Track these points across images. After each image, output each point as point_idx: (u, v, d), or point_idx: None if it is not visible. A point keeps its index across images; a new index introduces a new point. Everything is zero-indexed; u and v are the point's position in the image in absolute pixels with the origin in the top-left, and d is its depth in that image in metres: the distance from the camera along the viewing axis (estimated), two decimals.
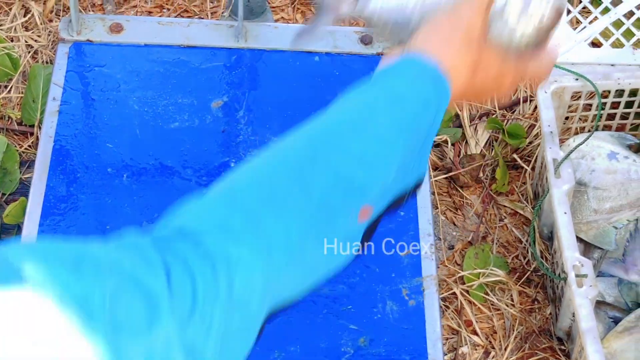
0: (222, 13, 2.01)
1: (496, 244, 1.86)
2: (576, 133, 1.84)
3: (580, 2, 1.81)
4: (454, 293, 1.76)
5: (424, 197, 1.67)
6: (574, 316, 1.61)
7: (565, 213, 1.59)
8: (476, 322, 1.74)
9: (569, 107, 1.79)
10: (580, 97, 1.78)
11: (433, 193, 1.76)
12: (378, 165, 0.77)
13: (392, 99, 0.79)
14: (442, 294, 1.77)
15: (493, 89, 0.86)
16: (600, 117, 1.76)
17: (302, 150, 0.76)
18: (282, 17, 2.17)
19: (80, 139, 1.69)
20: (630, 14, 1.79)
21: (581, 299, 1.50)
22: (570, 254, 1.55)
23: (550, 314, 1.76)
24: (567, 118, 1.83)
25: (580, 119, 1.82)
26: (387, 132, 0.77)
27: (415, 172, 0.81)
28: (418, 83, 0.80)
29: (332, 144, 0.76)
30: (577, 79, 1.74)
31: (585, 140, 1.70)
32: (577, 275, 1.52)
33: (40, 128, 1.87)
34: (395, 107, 0.79)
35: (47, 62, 1.96)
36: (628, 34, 1.78)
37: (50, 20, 2.04)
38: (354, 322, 1.52)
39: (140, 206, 1.61)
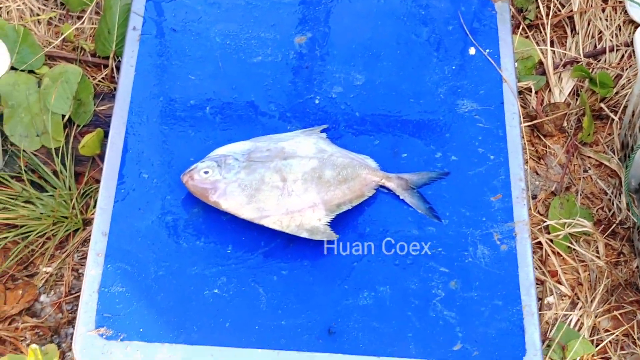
0: None
1: (580, 195, 1.80)
2: None
3: None
4: (539, 242, 1.71)
5: (514, 142, 1.61)
6: None
7: None
8: (562, 272, 1.69)
9: None
10: None
11: (522, 137, 1.70)
12: None
13: None
14: None
15: None
16: None
17: None
18: None
19: (162, 70, 1.64)
20: None
21: None
22: None
23: (637, 267, 1.70)
24: None
25: None
26: None
27: None
28: None
29: None
30: None
31: None
32: None
33: (115, 59, 1.82)
34: None
35: None
36: None
37: None
38: (444, 264, 1.47)
39: (224, 140, 1.56)
